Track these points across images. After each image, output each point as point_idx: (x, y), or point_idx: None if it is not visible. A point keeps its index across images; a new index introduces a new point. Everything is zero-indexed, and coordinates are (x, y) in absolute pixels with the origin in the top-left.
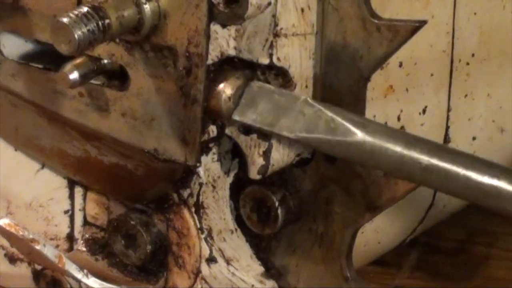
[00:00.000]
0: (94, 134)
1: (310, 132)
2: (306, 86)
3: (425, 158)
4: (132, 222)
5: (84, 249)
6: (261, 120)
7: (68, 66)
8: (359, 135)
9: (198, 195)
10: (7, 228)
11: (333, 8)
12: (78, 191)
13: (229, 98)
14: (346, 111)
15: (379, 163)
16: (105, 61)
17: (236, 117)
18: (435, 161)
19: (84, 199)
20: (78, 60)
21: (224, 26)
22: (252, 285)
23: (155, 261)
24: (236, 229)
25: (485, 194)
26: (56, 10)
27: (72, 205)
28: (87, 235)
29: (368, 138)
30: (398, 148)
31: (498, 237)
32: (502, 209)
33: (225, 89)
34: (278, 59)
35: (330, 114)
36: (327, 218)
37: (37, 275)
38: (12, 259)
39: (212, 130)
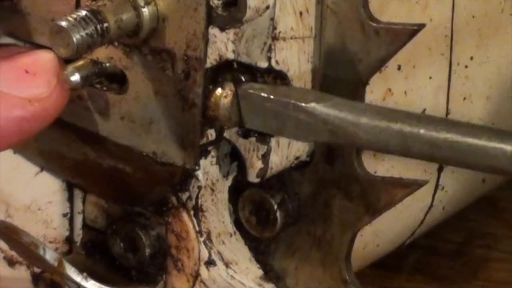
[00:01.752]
0: (93, 137)
1: (317, 136)
2: None
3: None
4: (131, 225)
5: (83, 252)
6: (269, 128)
7: (69, 68)
8: (358, 131)
9: (197, 198)
10: (6, 231)
11: (332, 11)
12: (77, 194)
13: (228, 101)
14: (338, 103)
15: (387, 148)
16: (107, 63)
17: (248, 126)
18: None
19: (83, 202)
20: (80, 62)
21: (222, 29)
22: None
23: (154, 264)
24: (235, 232)
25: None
26: (55, 13)
27: (71, 208)
28: (86, 238)
29: (367, 131)
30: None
31: (498, 239)
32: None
33: (224, 92)
34: (277, 62)
35: (322, 116)
36: (326, 221)
37: (36, 278)
38: (11, 262)
39: (211, 133)
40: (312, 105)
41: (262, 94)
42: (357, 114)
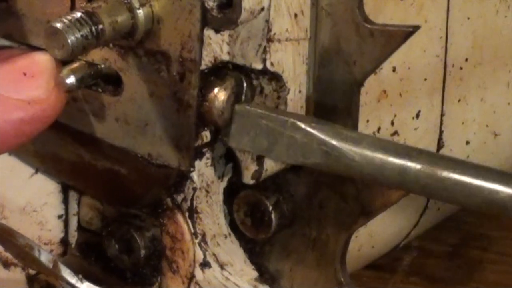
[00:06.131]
0: (88, 139)
1: (306, 158)
2: (300, 91)
3: (424, 168)
4: (126, 227)
5: (78, 253)
6: (257, 147)
7: (65, 71)
8: (354, 154)
9: (192, 200)
10: (1, 233)
11: (327, 13)
12: (72, 196)
13: (223, 103)
14: (336, 128)
15: (380, 179)
16: (102, 65)
17: (233, 144)
18: (433, 170)
19: (79, 204)
20: (75, 65)
21: (217, 31)
22: None
23: (149, 266)
24: (230, 234)
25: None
26: (50, 15)
27: (66, 209)
28: (81, 240)
29: (363, 156)
30: (395, 161)
31: (492, 241)
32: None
33: (219, 94)
34: (272, 64)
35: (320, 136)
36: (320, 223)
37: (31, 280)
38: (5, 264)
39: (206, 135)
40: (312, 125)
41: (260, 111)
42: (355, 141)
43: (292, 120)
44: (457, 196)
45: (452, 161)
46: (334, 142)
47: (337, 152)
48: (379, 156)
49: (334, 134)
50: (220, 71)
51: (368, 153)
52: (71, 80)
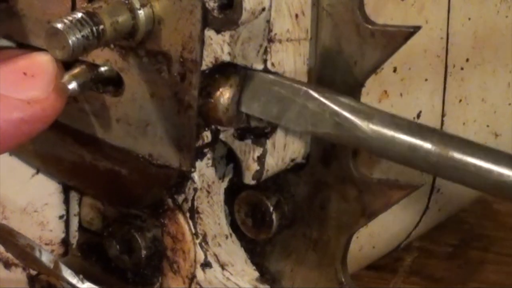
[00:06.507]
0: (89, 139)
1: (317, 127)
2: None
3: (435, 147)
4: (127, 227)
5: (79, 254)
6: (267, 113)
7: (67, 76)
8: (365, 128)
9: (193, 200)
10: (2, 233)
11: (328, 13)
12: (73, 196)
13: (228, 100)
14: (350, 100)
15: (389, 154)
16: (103, 69)
17: (243, 109)
18: (444, 149)
19: (79, 204)
20: (76, 70)
21: (218, 31)
22: None
23: (150, 266)
24: (231, 234)
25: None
26: (51, 15)
27: (67, 210)
28: (82, 240)
29: (374, 130)
30: (405, 138)
31: (492, 241)
32: None
33: (224, 92)
34: (273, 64)
35: (333, 107)
36: (321, 223)
37: (32, 280)
38: (7, 264)
39: (207, 135)
40: (326, 95)
41: (273, 77)
42: (368, 115)
43: (305, 88)
44: (466, 177)
45: (464, 142)
46: (346, 113)
47: (349, 123)
48: (391, 131)
49: (347, 106)
50: (225, 69)
51: (380, 127)
52: (73, 85)
